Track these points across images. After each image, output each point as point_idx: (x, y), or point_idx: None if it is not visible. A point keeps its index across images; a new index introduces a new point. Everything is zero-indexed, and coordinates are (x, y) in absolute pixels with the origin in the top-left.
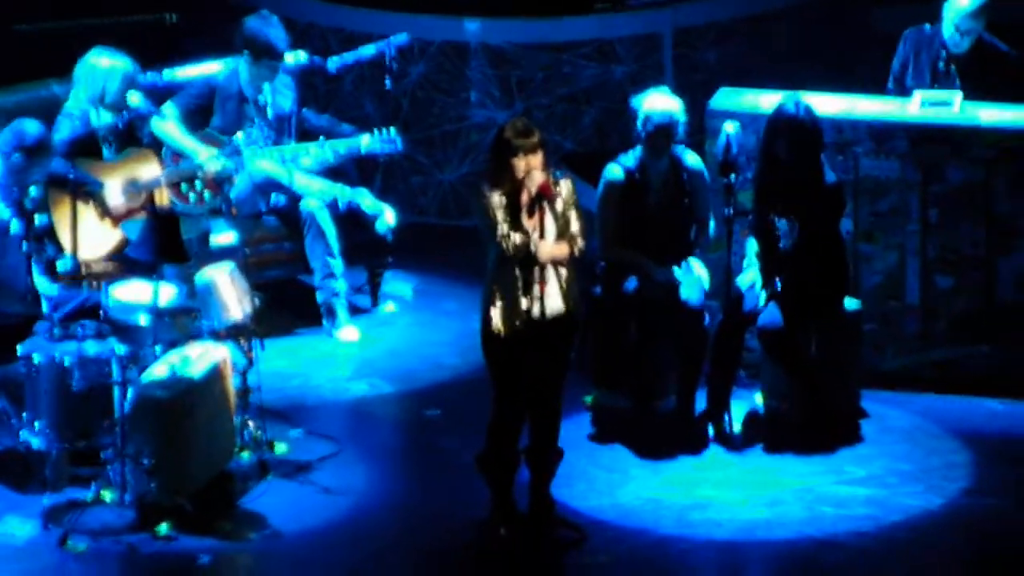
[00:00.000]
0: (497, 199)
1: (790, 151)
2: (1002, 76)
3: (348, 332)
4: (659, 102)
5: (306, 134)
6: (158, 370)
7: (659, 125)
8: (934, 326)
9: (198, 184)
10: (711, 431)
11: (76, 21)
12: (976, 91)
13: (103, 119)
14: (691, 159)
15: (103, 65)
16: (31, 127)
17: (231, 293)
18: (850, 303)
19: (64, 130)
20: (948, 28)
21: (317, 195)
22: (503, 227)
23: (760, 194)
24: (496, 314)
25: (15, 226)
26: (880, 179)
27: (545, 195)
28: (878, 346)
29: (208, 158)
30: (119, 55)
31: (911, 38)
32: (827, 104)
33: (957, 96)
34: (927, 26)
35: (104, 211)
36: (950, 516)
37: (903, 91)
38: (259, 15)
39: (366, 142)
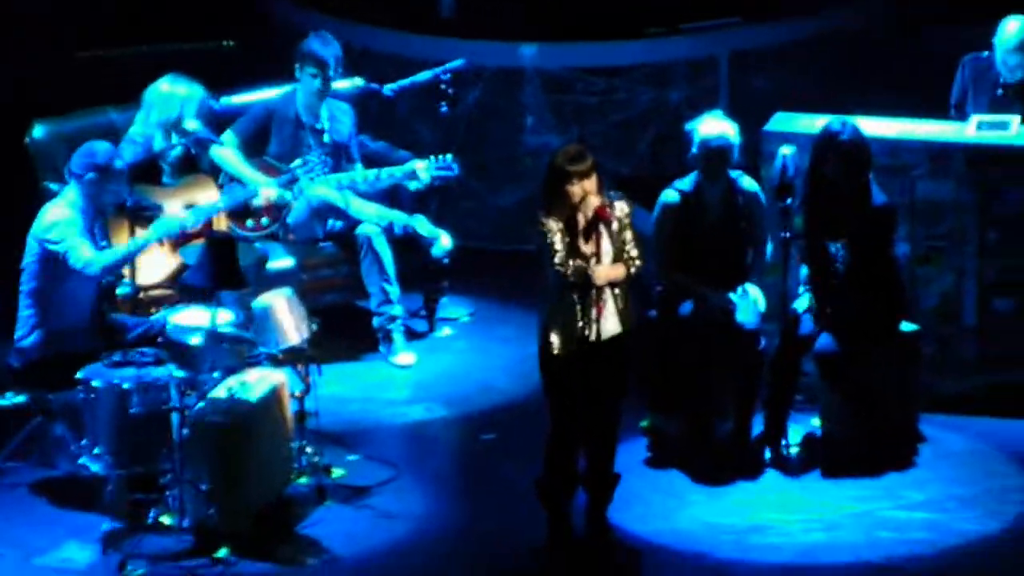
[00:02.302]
0: (553, 225)
1: (837, 172)
2: None
3: (404, 357)
4: (714, 126)
5: (363, 159)
6: (216, 395)
7: (714, 149)
8: (992, 349)
9: (255, 210)
10: (768, 455)
11: (133, 48)
12: None
13: (167, 145)
14: (747, 182)
15: (179, 92)
16: (101, 147)
17: (288, 318)
18: (907, 326)
19: (126, 155)
20: (998, 59)
21: (373, 220)
22: (560, 252)
23: (810, 217)
24: (553, 337)
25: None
26: (937, 201)
27: (601, 218)
28: (935, 369)
29: (265, 185)
30: (192, 82)
31: (969, 65)
32: (883, 127)
33: (1015, 119)
34: (984, 53)
35: None
36: (1008, 540)
37: (963, 119)
38: (316, 33)
39: (422, 167)
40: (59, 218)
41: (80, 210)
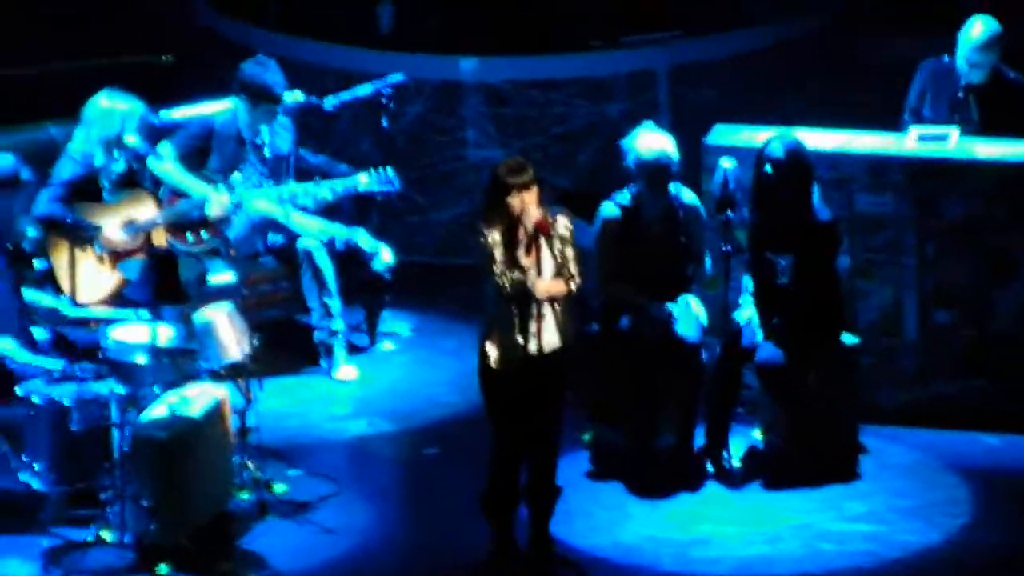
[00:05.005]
0: (494, 237)
1: (779, 187)
2: (1019, 108)
3: (346, 371)
4: (652, 141)
5: (303, 174)
6: (157, 410)
7: (654, 166)
8: (931, 361)
9: (196, 224)
10: (710, 467)
11: (71, 64)
12: (994, 123)
13: (108, 161)
14: (687, 196)
15: (119, 107)
16: (5, 160)
17: (229, 333)
18: (847, 339)
19: (65, 171)
20: (960, 60)
21: (314, 234)
22: (500, 265)
23: (754, 231)
24: (493, 351)
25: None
26: (876, 214)
27: (542, 231)
28: (875, 382)
29: (216, 190)
30: (132, 97)
31: (928, 69)
32: (823, 140)
33: (953, 131)
34: (945, 57)
35: (102, 254)
36: (950, 552)
37: (920, 122)
38: (256, 60)
39: (364, 181)
40: None
41: None
